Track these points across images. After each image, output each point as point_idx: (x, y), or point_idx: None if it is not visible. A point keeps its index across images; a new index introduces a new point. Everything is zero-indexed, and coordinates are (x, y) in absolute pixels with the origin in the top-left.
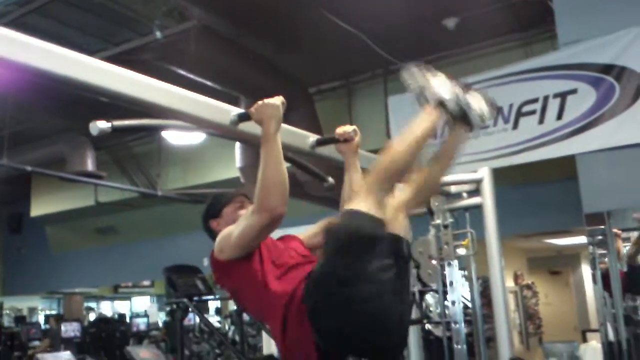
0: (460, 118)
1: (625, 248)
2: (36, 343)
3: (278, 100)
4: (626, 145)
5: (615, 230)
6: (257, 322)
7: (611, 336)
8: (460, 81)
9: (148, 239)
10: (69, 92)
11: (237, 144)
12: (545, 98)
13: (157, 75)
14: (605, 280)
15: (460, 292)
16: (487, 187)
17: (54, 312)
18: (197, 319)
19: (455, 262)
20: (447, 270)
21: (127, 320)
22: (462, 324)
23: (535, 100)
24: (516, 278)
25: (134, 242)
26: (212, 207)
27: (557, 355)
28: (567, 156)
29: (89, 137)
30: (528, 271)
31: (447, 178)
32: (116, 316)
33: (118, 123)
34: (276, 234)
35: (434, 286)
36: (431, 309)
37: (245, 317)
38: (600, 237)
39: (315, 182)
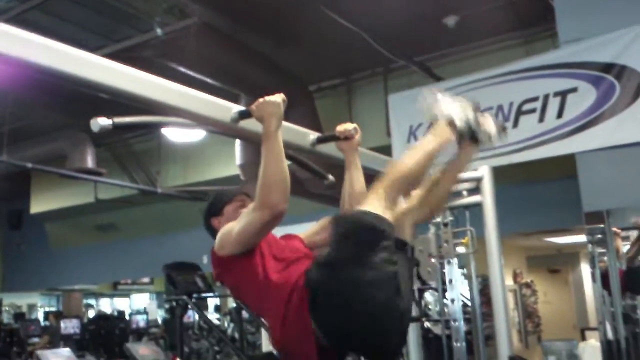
0: (469, 137)
1: (624, 247)
2: (35, 340)
3: (279, 97)
4: (626, 144)
5: (614, 229)
6: (256, 319)
7: (610, 334)
8: (472, 102)
9: (148, 236)
10: (69, 88)
11: (237, 142)
12: (546, 96)
13: (157, 72)
14: (604, 279)
15: (459, 290)
16: (487, 186)
17: (53, 309)
18: (197, 316)
19: (455, 260)
20: (446, 268)
21: (127, 317)
22: (462, 322)
23: (535, 99)
24: (515, 276)
25: (133, 239)
26: (214, 205)
27: (556, 354)
28: (567, 155)
29: (88, 134)
30: (527, 269)
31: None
32: (115, 313)
33: (119, 120)
34: (276, 232)
35: (433, 284)
36: (430, 306)
37: (245, 314)
38: (599, 236)
39: (316, 179)
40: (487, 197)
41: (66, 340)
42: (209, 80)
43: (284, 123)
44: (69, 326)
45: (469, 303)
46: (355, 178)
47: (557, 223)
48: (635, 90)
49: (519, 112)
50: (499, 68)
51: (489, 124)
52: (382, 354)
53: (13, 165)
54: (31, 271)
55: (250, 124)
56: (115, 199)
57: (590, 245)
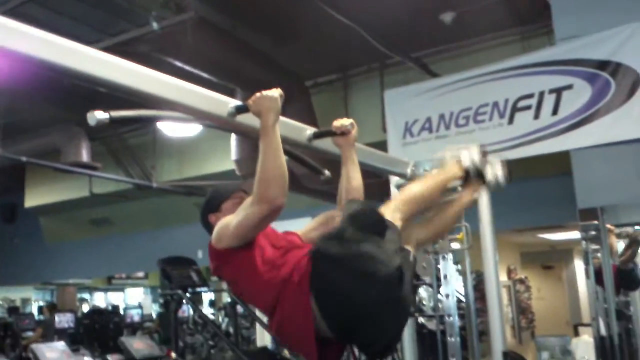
0: (475, 175)
1: (618, 243)
2: (29, 334)
3: (276, 92)
4: (621, 142)
5: (608, 225)
6: (250, 314)
7: (603, 331)
8: (480, 147)
9: (142, 231)
10: (64, 82)
11: (233, 137)
12: (541, 93)
13: (153, 67)
14: (597, 276)
15: (454, 285)
16: None
17: (47, 300)
18: (191, 311)
19: (450, 256)
20: (441, 264)
21: (121, 311)
22: (456, 317)
23: (530, 96)
24: (509, 272)
25: (128, 233)
26: (211, 202)
27: (550, 349)
28: (562, 152)
29: (83, 128)
30: (521, 266)
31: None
32: (110, 308)
33: (116, 113)
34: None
35: (427, 280)
36: (424, 302)
37: (239, 309)
38: (593, 233)
39: (312, 175)
40: (482, 193)
41: (60, 334)
42: (204, 74)
43: (280, 118)
44: (63, 320)
45: (463, 299)
46: (352, 174)
47: (551, 220)
48: (630, 88)
49: (514, 109)
50: (495, 65)
51: (496, 166)
52: (379, 343)
53: (7, 159)
54: (25, 265)
55: (247, 119)
56: (110, 193)
57: (584, 242)
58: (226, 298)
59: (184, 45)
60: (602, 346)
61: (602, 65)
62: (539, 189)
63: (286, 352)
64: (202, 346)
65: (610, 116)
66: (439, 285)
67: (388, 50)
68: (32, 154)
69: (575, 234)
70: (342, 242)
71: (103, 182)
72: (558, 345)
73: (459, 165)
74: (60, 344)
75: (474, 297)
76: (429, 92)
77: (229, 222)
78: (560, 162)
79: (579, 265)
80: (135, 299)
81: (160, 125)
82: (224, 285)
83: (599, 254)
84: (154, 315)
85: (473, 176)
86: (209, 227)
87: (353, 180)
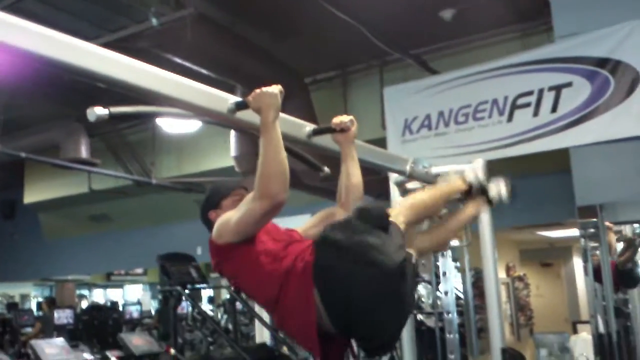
0: (478, 190)
1: (617, 242)
2: (28, 330)
3: (276, 88)
4: (620, 139)
5: (607, 223)
6: (250, 311)
7: (601, 328)
8: (485, 166)
9: (142, 227)
10: (63, 78)
11: (232, 133)
12: (540, 91)
13: (152, 63)
14: (596, 273)
15: (453, 282)
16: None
17: (46, 296)
18: (190, 307)
19: (449, 253)
20: (440, 261)
21: (120, 308)
22: (455, 314)
23: (530, 93)
24: (508, 270)
25: (127, 230)
26: (211, 198)
27: (548, 346)
28: (561, 149)
29: (82, 124)
30: (520, 263)
31: (441, 169)
32: (109, 304)
33: (115, 109)
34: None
35: (426, 277)
36: (423, 299)
37: (238, 306)
38: (592, 230)
39: (311, 171)
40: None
41: (59, 330)
42: (204, 71)
43: (280, 115)
44: (62, 316)
45: (462, 296)
46: (351, 170)
47: (550, 217)
48: (629, 85)
49: (514, 106)
50: (494, 62)
51: (500, 185)
52: (378, 338)
53: (6, 155)
54: (24, 261)
55: (247, 115)
56: (109, 190)
57: (582, 239)
58: (225, 295)
59: (183, 41)
60: (601, 343)
61: (602, 62)
62: (538, 186)
63: (285, 349)
64: (201, 342)
65: (609, 114)
66: (437, 283)
67: (387, 47)
68: (31, 150)
69: (574, 232)
70: (348, 231)
71: (102, 179)
72: (556, 343)
73: (462, 179)
74: (60, 340)
75: (472, 294)
76: (428, 89)
77: (229, 217)
78: (560, 160)
79: (577, 262)
80: (134, 296)
81: (160, 121)
82: (223, 282)
83: (597, 252)
84: (153, 312)
85: (476, 191)
86: (209, 224)
87: (353, 177)
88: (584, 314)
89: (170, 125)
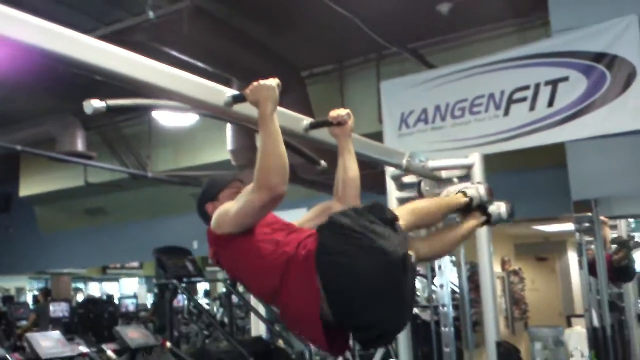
0: (478, 206)
1: (611, 243)
2: (23, 323)
3: (273, 81)
4: (616, 134)
5: (602, 217)
6: (246, 304)
7: (596, 322)
8: (486, 185)
9: (137, 220)
10: (59, 71)
11: (228, 127)
12: (537, 85)
13: (149, 56)
14: (591, 267)
15: (448, 276)
16: (478, 173)
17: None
18: (186, 301)
19: None
20: None
21: (116, 301)
22: (450, 308)
23: (526, 87)
24: (503, 264)
25: (123, 223)
26: (209, 191)
27: (542, 340)
28: (557, 143)
29: (78, 117)
30: (515, 257)
31: (437, 163)
32: (104, 297)
33: (112, 102)
34: None
35: (421, 270)
36: (418, 293)
37: (234, 299)
38: (587, 224)
39: (308, 165)
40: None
41: (55, 323)
42: (200, 64)
43: (277, 108)
44: (58, 309)
45: (457, 289)
46: (348, 164)
47: (545, 211)
48: (625, 80)
49: (510, 101)
50: (491, 56)
51: (500, 205)
52: (374, 329)
53: (2, 148)
54: (20, 254)
55: (244, 108)
56: (105, 183)
57: (577, 234)
58: (221, 288)
59: (179, 34)
60: (595, 337)
61: (598, 57)
62: (533, 180)
63: (281, 342)
64: (197, 336)
65: (605, 108)
66: (433, 276)
67: (384, 41)
68: (27, 143)
69: (569, 226)
70: (356, 217)
71: (98, 172)
72: (551, 336)
73: (463, 194)
74: (56, 333)
75: (468, 288)
76: (425, 83)
77: (229, 208)
78: (555, 154)
79: (572, 257)
80: (129, 289)
81: (156, 114)
82: (219, 275)
83: (592, 246)
84: (149, 305)
85: (476, 207)
86: (206, 216)
87: (350, 170)
88: (579, 308)
89: (166, 118)
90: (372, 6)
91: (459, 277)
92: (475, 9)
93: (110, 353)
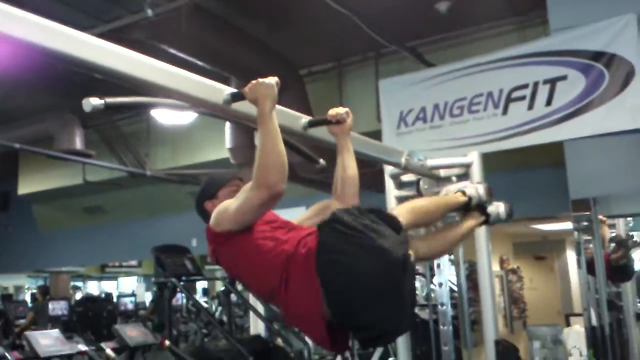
0: (477, 206)
1: (609, 242)
2: (22, 321)
3: (272, 80)
4: (614, 132)
5: (600, 216)
6: (244, 303)
7: (594, 321)
8: (485, 185)
9: (136, 219)
10: (58, 69)
11: (227, 125)
12: (535, 84)
13: (147, 54)
14: (589, 266)
15: (447, 274)
16: (476, 172)
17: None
18: (185, 299)
19: None
20: None
21: (114, 299)
22: (449, 306)
23: (525, 86)
24: (502, 262)
25: (122, 221)
26: (208, 189)
27: (541, 339)
28: (555, 142)
29: (77, 115)
30: (513, 256)
31: (436, 162)
32: (103, 295)
33: (111, 100)
34: None
35: (420, 269)
36: (417, 292)
37: (233, 297)
38: (585, 223)
39: (307, 164)
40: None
41: (54, 321)
42: (199, 62)
43: (275, 106)
44: (56, 308)
45: (456, 288)
46: (347, 162)
47: (544, 210)
48: (624, 79)
49: (509, 99)
50: (490, 55)
51: (499, 205)
52: (374, 329)
53: (1, 146)
54: (18, 253)
55: (243, 107)
56: (103, 181)
57: (576, 233)
58: (220, 286)
59: (178, 32)
60: (593, 336)
61: (597, 56)
62: (532, 179)
63: (279, 341)
64: (196, 334)
65: (604, 107)
66: (432, 275)
67: (383, 39)
68: (25, 141)
69: (567, 225)
70: (356, 216)
71: (97, 170)
72: (549, 335)
73: (463, 193)
74: (55, 332)
75: (466, 287)
76: (423, 82)
77: (228, 205)
78: (554, 153)
79: (571, 255)
80: (128, 288)
81: (154, 113)
82: (218, 274)
83: (590, 245)
84: (148, 304)
85: (474, 207)
86: (205, 214)
87: (348, 169)
88: (577, 307)
89: (165, 116)
90: (370, 4)
91: (458, 275)
92: (474, 8)
93: (109, 351)
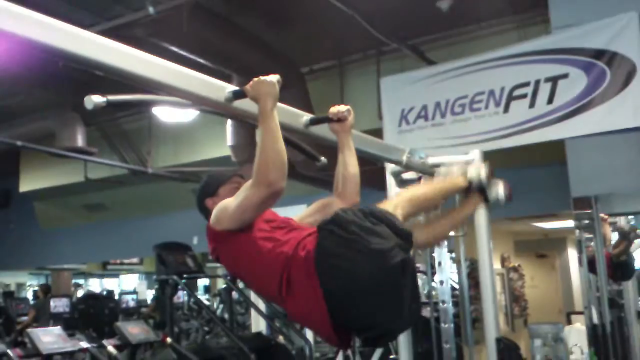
0: (477, 188)
1: (613, 233)
2: (24, 319)
3: (274, 77)
4: (615, 131)
5: (602, 214)
6: (246, 300)
7: (595, 319)
8: (487, 166)
9: (138, 217)
10: (60, 67)
11: (229, 123)
12: (537, 82)
13: (148, 51)
14: (590, 264)
15: (448, 272)
16: None
17: (42, 282)
18: (186, 297)
19: (445, 243)
20: (435, 251)
21: (116, 297)
22: (450, 304)
23: (526, 84)
24: (503, 260)
25: (123, 219)
26: (208, 186)
27: (542, 337)
28: (557, 140)
29: (79, 113)
30: (515, 254)
31: (437, 159)
32: (105, 293)
33: (113, 97)
34: None
35: (421, 267)
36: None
37: (234, 295)
38: (587, 221)
39: (308, 161)
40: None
41: (56, 319)
42: (200, 60)
43: (277, 104)
44: (58, 305)
45: (457, 286)
46: (348, 160)
47: (545, 208)
48: (625, 77)
49: (510, 97)
50: (491, 53)
51: (499, 186)
52: (374, 329)
53: (2, 143)
54: (20, 250)
55: (244, 104)
56: (105, 179)
57: (577, 231)
58: (221, 284)
59: (179, 30)
60: (595, 334)
61: (598, 54)
62: (533, 177)
63: (281, 338)
64: (197, 331)
65: (605, 105)
66: (433, 273)
67: (384, 37)
68: (27, 138)
69: (569, 223)
70: (356, 219)
71: (98, 167)
72: (551, 333)
73: (463, 176)
74: (57, 329)
75: (467, 285)
76: (425, 80)
77: (228, 204)
78: (555, 151)
79: (572, 253)
80: (130, 285)
81: (156, 110)
82: (220, 271)
83: (592, 243)
84: (149, 301)
85: (475, 189)
86: (206, 212)
87: (349, 166)
88: (578, 305)
89: (167, 114)
90: (372, 2)
91: (459, 273)
92: (475, 6)
93: (111, 348)
